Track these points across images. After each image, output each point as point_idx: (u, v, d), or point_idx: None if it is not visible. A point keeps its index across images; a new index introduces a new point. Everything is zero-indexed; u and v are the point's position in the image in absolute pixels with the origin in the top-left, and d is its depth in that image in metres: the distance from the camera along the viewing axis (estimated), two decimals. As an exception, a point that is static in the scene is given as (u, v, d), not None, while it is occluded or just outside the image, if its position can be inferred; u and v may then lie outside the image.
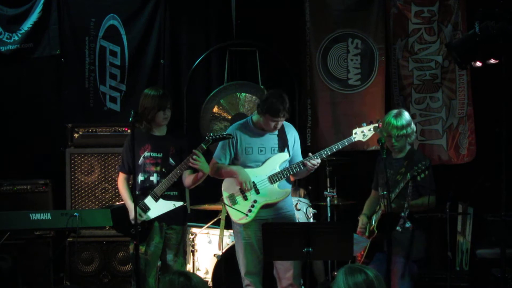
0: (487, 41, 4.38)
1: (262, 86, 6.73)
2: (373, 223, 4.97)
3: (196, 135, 6.43)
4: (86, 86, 6.95)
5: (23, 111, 6.88)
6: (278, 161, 4.98)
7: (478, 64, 4.57)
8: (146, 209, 4.94)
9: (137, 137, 4.91)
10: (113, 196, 6.24)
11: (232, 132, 4.97)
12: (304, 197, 6.26)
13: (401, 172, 4.84)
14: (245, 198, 4.94)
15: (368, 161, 5.96)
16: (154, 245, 4.98)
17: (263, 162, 4.97)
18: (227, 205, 5.00)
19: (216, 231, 5.85)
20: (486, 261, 5.55)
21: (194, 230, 5.95)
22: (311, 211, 6.01)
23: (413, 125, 5.00)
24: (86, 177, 6.28)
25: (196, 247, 5.91)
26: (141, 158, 5.03)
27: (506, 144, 4.38)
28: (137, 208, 4.77)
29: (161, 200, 4.95)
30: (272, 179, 4.93)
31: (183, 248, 5.14)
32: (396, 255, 4.74)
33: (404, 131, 4.92)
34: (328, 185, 6.23)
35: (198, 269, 5.92)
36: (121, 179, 5.16)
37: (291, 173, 4.96)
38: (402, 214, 4.55)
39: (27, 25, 6.83)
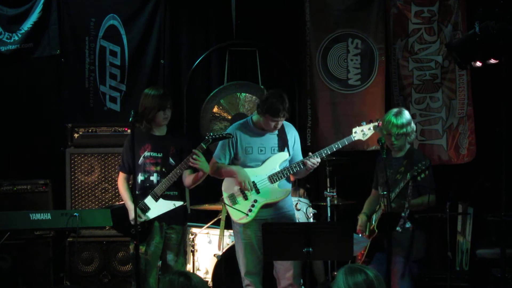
0: (487, 41, 4.38)
1: (262, 86, 6.73)
2: (373, 222, 4.97)
3: (196, 135, 6.42)
4: (86, 86, 6.95)
5: (23, 111, 6.88)
6: (278, 161, 4.98)
7: (478, 64, 4.57)
8: (146, 209, 4.94)
9: (137, 137, 4.91)
10: (113, 196, 6.24)
11: (232, 132, 4.97)
12: (304, 197, 6.26)
13: (401, 172, 4.84)
14: (245, 198, 4.94)
15: (368, 161, 5.96)
16: (154, 245, 4.98)
17: (263, 162, 4.97)
18: (227, 205, 4.99)
19: (216, 231, 5.85)
20: (486, 261, 5.56)
21: (194, 230, 5.95)
22: (311, 211, 6.01)
23: (413, 124, 5.00)
24: (86, 177, 6.28)
25: (196, 247, 5.91)
26: (141, 158, 5.03)
27: (506, 144, 4.38)
28: (137, 209, 4.77)
29: (161, 200, 4.95)
30: (272, 178, 4.93)
31: (183, 248, 5.14)
32: (396, 255, 4.74)
33: (404, 129, 4.91)
34: (328, 185, 6.23)
35: (198, 269, 5.92)
36: (121, 179, 5.16)
37: (291, 172, 4.96)
38: (403, 214, 4.55)
39: (27, 25, 6.83)
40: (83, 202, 6.25)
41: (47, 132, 6.86)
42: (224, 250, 5.75)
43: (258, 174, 4.94)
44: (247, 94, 6.73)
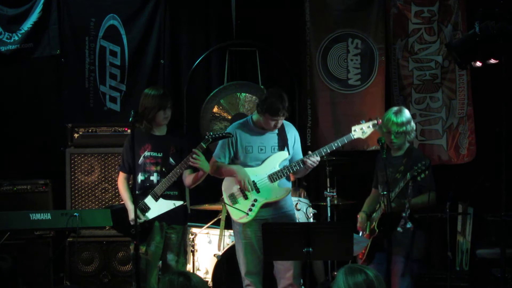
0: (487, 41, 4.38)
1: (262, 86, 6.73)
2: (373, 222, 4.97)
3: (196, 135, 6.42)
4: (86, 86, 6.95)
5: (23, 111, 6.89)
6: (278, 160, 4.98)
7: (478, 64, 4.57)
8: (146, 208, 4.94)
9: (137, 136, 4.91)
10: (113, 196, 6.24)
11: (232, 131, 4.97)
12: (304, 197, 6.26)
13: (400, 171, 4.84)
14: (246, 197, 4.94)
15: (368, 161, 5.96)
16: (155, 245, 4.98)
17: (263, 161, 4.97)
18: (227, 204, 4.99)
19: (216, 231, 5.85)
20: (486, 261, 5.55)
21: (194, 230, 5.96)
22: (311, 211, 6.01)
23: (412, 123, 5.00)
24: (86, 177, 6.28)
25: (196, 247, 5.91)
26: (141, 158, 5.03)
27: (506, 144, 4.37)
28: (137, 210, 4.77)
29: (161, 200, 4.95)
30: (272, 177, 4.93)
31: (183, 248, 5.14)
32: (396, 255, 4.74)
33: (404, 128, 4.91)
34: (328, 185, 6.23)
35: (198, 269, 5.92)
36: (121, 178, 5.16)
37: (291, 171, 4.96)
38: (404, 215, 4.55)
39: (27, 25, 6.83)
40: (83, 202, 6.25)
41: (47, 132, 6.86)
42: (224, 250, 5.75)
43: (258, 174, 4.94)
44: (247, 94, 6.73)
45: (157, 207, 4.95)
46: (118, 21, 6.93)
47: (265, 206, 4.93)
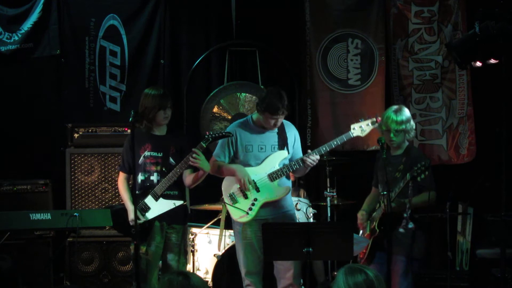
0: (487, 41, 4.38)
1: (262, 86, 6.73)
2: (374, 221, 4.97)
3: (196, 135, 6.42)
4: (86, 86, 6.96)
5: (23, 111, 6.88)
6: (277, 159, 4.98)
7: (478, 64, 4.57)
8: (146, 208, 4.94)
9: (137, 136, 4.91)
10: (113, 196, 6.24)
11: (232, 130, 4.97)
12: (304, 197, 6.26)
13: (400, 169, 4.84)
14: (246, 197, 4.94)
15: (368, 161, 5.95)
16: (155, 245, 4.98)
17: (263, 160, 4.97)
18: (227, 203, 4.99)
19: (216, 231, 5.85)
20: (486, 261, 5.55)
21: (194, 230, 5.96)
22: (311, 211, 6.01)
23: (412, 122, 4.99)
24: (86, 177, 6.28)
25: (196, 247, 5.91)
26: (142, 158, 5.03)
27: (506, 144, 4.38)
28: (137, 210, 4.77)
29: (161, 200, 4.95)
30: (272, 176, 4.93)
31: (184, 248, 5.14)
32: (397, 254, 4.74)
33: (404, 126, 4.91)
34: (328, 185, 6.23)
35: (198, 269, 5.92)
36: (121, 178, 5.16)
37: (291, 170, 4.96)
38: (405, 215, 4.55)
39: (27, 25, 6.83)
40: (83, 202, 6.25)
41: (47, 132, 6.86)
42: (224, 250, 5.75)
43: (258, 173, 4.94)
44: (247, 94, 6.73)
45: (157, 207, 4.95)
46: (118, 21, 6.93)
47: (265, 205, 4.93)
